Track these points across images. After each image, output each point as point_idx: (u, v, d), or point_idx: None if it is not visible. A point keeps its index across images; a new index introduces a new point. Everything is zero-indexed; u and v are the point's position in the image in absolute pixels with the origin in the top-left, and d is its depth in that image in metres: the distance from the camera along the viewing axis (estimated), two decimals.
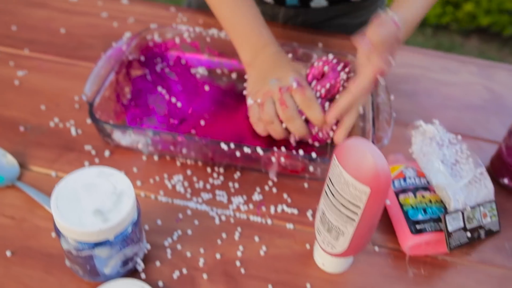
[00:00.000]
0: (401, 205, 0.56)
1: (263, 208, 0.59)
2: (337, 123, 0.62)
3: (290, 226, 0.58)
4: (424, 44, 2.48)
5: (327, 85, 0.61)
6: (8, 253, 0.52)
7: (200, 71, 0.77)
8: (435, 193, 0.57)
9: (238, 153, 0.59)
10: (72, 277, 0.51)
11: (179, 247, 0.55)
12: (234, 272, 0.53)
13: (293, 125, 0.60)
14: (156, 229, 0.56)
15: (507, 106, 0.78)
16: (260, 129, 0.63)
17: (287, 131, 0.62)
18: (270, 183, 0.62)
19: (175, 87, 0.74)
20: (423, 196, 0.56)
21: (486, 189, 0.56)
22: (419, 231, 0.54)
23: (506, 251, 0.57)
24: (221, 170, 0.63)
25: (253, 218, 0.58)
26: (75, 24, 0.87)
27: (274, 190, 0.61)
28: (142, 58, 0.76)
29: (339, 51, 0.74)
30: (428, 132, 0.60)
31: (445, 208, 0.55)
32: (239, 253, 0.54)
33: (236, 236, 0.56)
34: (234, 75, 0.77)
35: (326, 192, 0.47)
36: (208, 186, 0.61)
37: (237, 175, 0.63)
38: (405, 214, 0.55)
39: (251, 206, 0.59)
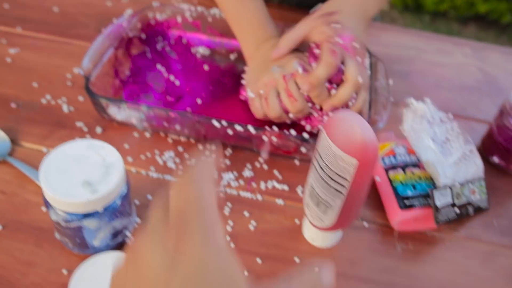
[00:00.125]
0: (391, 182, 0.56)
1: (254, 184, 0.60)
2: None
3: (280, 202, 0.58)
4: (422, 31, 2.47)
5: None
6: None
7: (201, 51, 0.77)
8: (424, 169, 0.57)
9: (230, 131, 0.59)
10: (62, 250, 0.51)
11: None
12: None
13: (302, 115, 0.60)
14: (146, 204, 0.57)
15: (499, 87, 0.78)
16: (261, 117, 0.63)
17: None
18: (261, 160, 0.62)
19: (175, 65, 0.74)
20: (412, 173, 0.56)
21: (475, 166, 0.57)
22: (407, 207, 0.54)
23: (494, 228, 0.58)
24: (213, 147, 0.64)
25: (243, 194, 0.58)
26: (68, 3, 0.86)
27: (265, 167, 0.62)
28: (143, 36, 0.77)
29: None
30: (419, 110, 0.60)
31: (434, 184, 0.56)
32: (228, 228, 0.55)
33: (226, 211, 0.56)
34: (234, 56, 0.77)
35: (314, 166, 0.47)
36: None
37: (228, 152, 0.63)
38: (395, 190, 0.55)
39: (241, 182, 0.60)
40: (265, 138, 0.59)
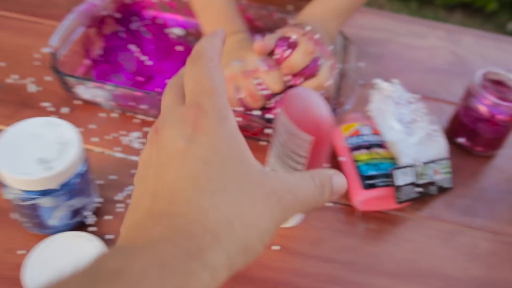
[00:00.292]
0: (355, 162, 0.56)
1: None
2: None
3: None
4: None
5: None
6: None
7: (176, 32, 0.76)
8: (389, 150, 0.57)
9: None
10: (20, 230, 0.50)
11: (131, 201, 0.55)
12: None
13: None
14: (109, 184, 0.56)
15: (471, 70, 0.78)
16: None
17: None
18: None
19: (148, 46, 0.74)
20: (377, 153, 0.56)
21: (438, 146, 0.57)
22: (370, 186, 0.54)
23: (456, 207, 0.58)
24: None
25: None
26: None
27: None
28: (118, 15, 0.76)
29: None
30: (385, 91, 0.60)
31: (398, 164, 0.56)
32: None
33: None
34: None
35: (274, 143, 0.47)
36: None
37: None
38: (358, 170, 0.55)
39: None
40: None
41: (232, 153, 0.27)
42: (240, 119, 0.58)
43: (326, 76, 0.57)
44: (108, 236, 0.51)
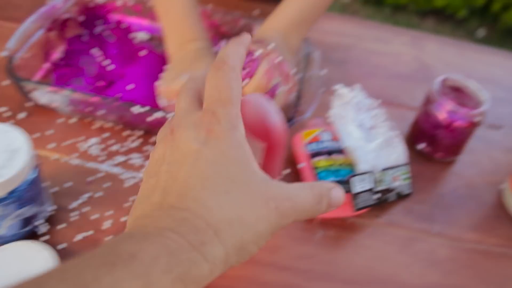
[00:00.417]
0: (314, 168, 0.56)
1: None
2: None
3: None
4: (382, 23, 2.50)
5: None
6: None
7: (141, 36, 0.75)
8: (348, 156, 0.57)
9: (150, 118, 0.57)
10: None
11: (86, 209, 0.53)
12: None
13: None
14: (64, 192, 0.55)
15: (434, 76, 0.78)
16: None
17: None
18: None
19: (111, 50, 0.72)
20: (336, 159, 0.56)
21: (397, 152, 0.57)
22: None
23: (414, 214, 0.58)
24: (140, 133, 0.62)
25: None
26: None
27: None
28: (81, 18, 0.74)
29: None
30: (345, 97, 0.60)
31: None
32: None
33: None
34: None
35: None
36: (124, 149, 0.60)
37: (154, 138, 0.62)
38: (317, 176, 0.55)
39: None
40: None
41: (238, 159, 0.30)
42: None
43: (280, 101, 0.57)
44: (60, 246, 0.50)
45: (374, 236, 0.55)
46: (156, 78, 0.69)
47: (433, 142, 0.63)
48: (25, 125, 0.60)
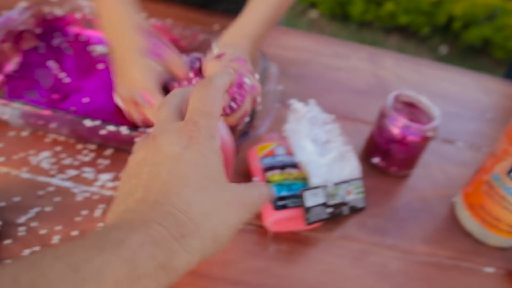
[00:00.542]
0: (268, 182, 0.56)
1: None
2: None
3: None
4: (348, 39, 2.54)
5: None
6: None
7: (99, 49, 0.74)
8: (302, 170, 0.57)
9: (102, 131, 0.57)
10: None
11: (35, 224, 0.52)
12: None
13: None
14: (12, 206, 0.53)
15: (390, 92, 0.79)
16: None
17: None
18: None
19: (68, 62, 0.71)
20: (290, 173, 0.57)
21: (350, 166, 0.58)
22: (281, 207, 0.54)
23: (368, 227, 0.59)
24: (93, 147, 0.61)
25: None
26: None
27: None
28: (38, 30, 0.73)
29: None
30: (300, 111, 0.60)
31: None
32: None
33: (98, 212, 0.54)
34: None
35: None
36: (76, 163, 0.59)
37: (108, 152, 0.61)
38: None
39: (118, 183, 0.58)
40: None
41: (215, 163, 0.34)
42: None
43: (233, 121, 0.57)
44: (7, 262, 0.48)
45: (327, 250, 0.56)
46: (111, 90, 0.68)
47: (387, 156, 0.64)
48: None
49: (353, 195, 0.58)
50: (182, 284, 0.49)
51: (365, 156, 0.67)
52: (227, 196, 0.34)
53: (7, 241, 0.50)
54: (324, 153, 0.58)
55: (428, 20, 2.58)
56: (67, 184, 0.57)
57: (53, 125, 0.59)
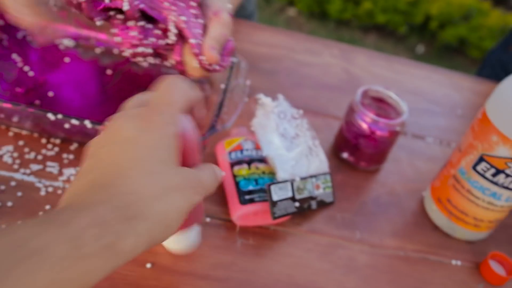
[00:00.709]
0: (235, 177, 0.56)
1: None
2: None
3: None
4: (326, 37, 2.55)
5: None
6: None
7: (66, 43, 0.73)
8: (269, 164, 0.57)
9: (66, 125, 0.55)
10: None
11: None
12: None
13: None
14: None
15: (361, 87, 0.80)
16: None
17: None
18: None
19: (33, 56, 0.70)
20: (257, 168, 0.56)
21: (318, 161, 0.58)
22: (247, 201, 0.54)
23: (337, 221, 0.59)
24: (57, 141, 0.60)
25: None
26: None
27: None
28: (1, 23, 0.72)
29: None
30: (268, 106, 0.60)
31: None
32: None
33: None
34: (100, 49, 0.73)
35: None
36: (39, 157, 0.58)
37: (74, 146, 0.60)
38: (237, 185, 0.55)
39: None
40: None
41: (169, 147, 0.35)
42: None
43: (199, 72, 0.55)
44: None
45: (295, 244, 0.56)
46: (80, 85, 0.67)
47: (356, 151, 0.64)
48: None
49: (322, 190, 0.58)
50: (147, 279, 0.49)
51: (335, 151, 0.67)
52: (176, 180, 0.34)
53: None
54: (292, 148, 0.58)
55: (405, 19, 2.60)
56: (30, 178, 0.55)
57: (15, 119, 0.58)
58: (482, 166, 0.54)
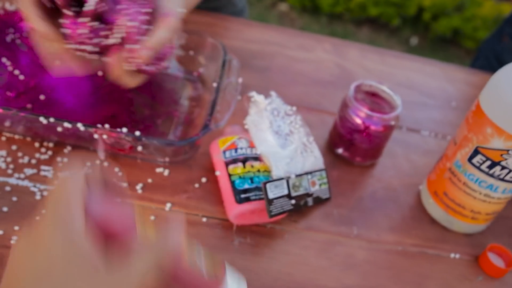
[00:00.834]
0: (230, 175, 0.55)
1: None
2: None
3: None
4: (319, 32, 2.55)
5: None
6: None
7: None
8: (264, 162, 0.57)
9: (59, 128, 0.55)
10: None
11: None
12: None
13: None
14: None
15: (354, 82, 0.80)
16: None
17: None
18: (101, 158, 0.59)
19: (23, 59, 0.69)
20: (252, 166, 0.56)
21: (313, 157, 0.57)
22: (244, 200, 0.53)
23: (334, 218, 0.59)
24: (51, 145, 0.60)
25: None
26: None
27: (106, 164, 0.59)
28: None
29: None
30: (261, 103, 0.59)
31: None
32: None
33: None
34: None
35: None
36: (33, 162, 0.57)
37: (67, 149, 0.59)
38: (232, 184, 0.55)
39: None
40: (96, 136, 0.56)
41: (84, 254, 0.32)
42: (107, 137, 0.56)
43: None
44: None
45: (292, 241, 0.55)
46: (71, 87, 0.66)
47: (350, 146, 0.64)
48: None
49: (317, 186, 0.58)
50: None
51: (330, 147, 0.67)
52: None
53: None
54: (286, 145, 0.57)
55: (398, 11, 2.60)
56: (25, 183, 0.55)
57: (7, 124, 0.57)
58: (477, 159, 0.54)
